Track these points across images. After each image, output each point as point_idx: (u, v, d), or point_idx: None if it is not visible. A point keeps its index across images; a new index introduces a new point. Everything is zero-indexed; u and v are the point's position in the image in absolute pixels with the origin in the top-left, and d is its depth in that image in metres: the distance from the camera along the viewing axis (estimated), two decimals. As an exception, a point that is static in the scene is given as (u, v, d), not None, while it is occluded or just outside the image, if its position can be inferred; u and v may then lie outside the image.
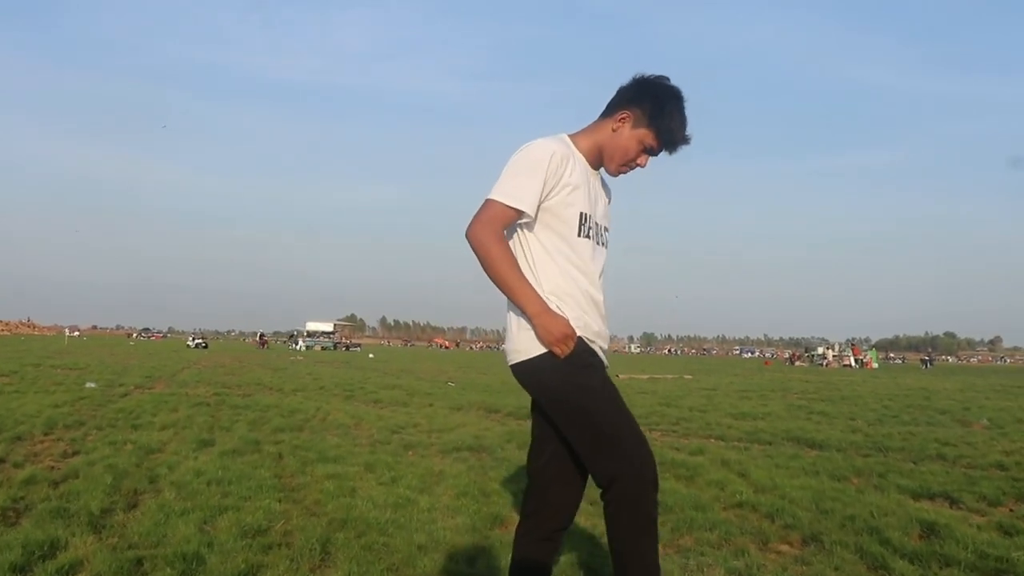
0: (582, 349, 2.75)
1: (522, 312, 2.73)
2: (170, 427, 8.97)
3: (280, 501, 5.21)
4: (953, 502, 5.97)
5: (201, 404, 11.98)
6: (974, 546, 4.46)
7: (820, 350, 71.23)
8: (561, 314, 2.73)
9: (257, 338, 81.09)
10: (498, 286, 2.74)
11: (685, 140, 2.87)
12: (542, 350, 2.72)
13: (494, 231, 2.71)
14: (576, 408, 2.73)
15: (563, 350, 2.69)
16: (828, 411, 13.97)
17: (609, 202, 3.05)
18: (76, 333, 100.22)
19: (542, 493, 2.91)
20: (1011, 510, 5.79)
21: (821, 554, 4.39)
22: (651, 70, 2.89)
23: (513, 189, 2.73)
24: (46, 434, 8.11)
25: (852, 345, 72.08)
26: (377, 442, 8.39)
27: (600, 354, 2.88)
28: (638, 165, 2.92)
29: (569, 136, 2.92)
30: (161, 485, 5.60)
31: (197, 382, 17.59)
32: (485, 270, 2.72)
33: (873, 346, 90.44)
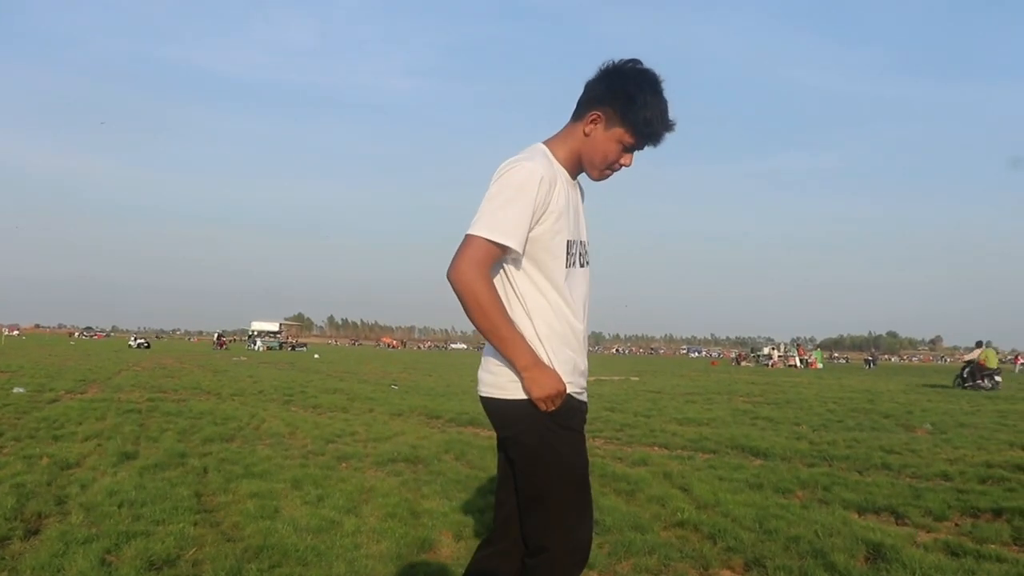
0: (568, 407, 2.51)
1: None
2: (94, 438, 8.58)
3: (196, 524, 4.90)
4: (899, 517, 5.84)
5: (132, 411, 11.56)
6: (921, 571, 4.29)
7: (766, 350, 71.70)
8: (551, 367, 2.49)
9: (215, 338, 78.16)
10: (485, 335, 2.46)
11: (668, 128, 2.55)
12: (524, 395, 2.47)
13: (481, 273, 2.40)
14: (539, 469, 2.51)
15: (549, 407, 2.46)
16: (773, 416, 13.87)
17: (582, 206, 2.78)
18: (15, 332, 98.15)
19: (507, 522, 2.65)
20: (956, 525, 5.68)
21: (764, 581, 4.20)
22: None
23: (499, 223, 2.41)
24: (-43, 447, 7.70)
25: (798, 345, 72.85)
26: (310, 453, 8.09)
27: (584, 395, 2.63)
28: (622, 165, 2.63)
29: (546, 144, 2.63)
30: (69, 507, 5.25)
31: (132, 386, 17.07)
32: (471, 317, 2.43)
33: (818, 346, 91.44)
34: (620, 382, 26.14)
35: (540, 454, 2.49)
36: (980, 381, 26.23)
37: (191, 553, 4.29)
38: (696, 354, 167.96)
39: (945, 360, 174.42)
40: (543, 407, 2.44)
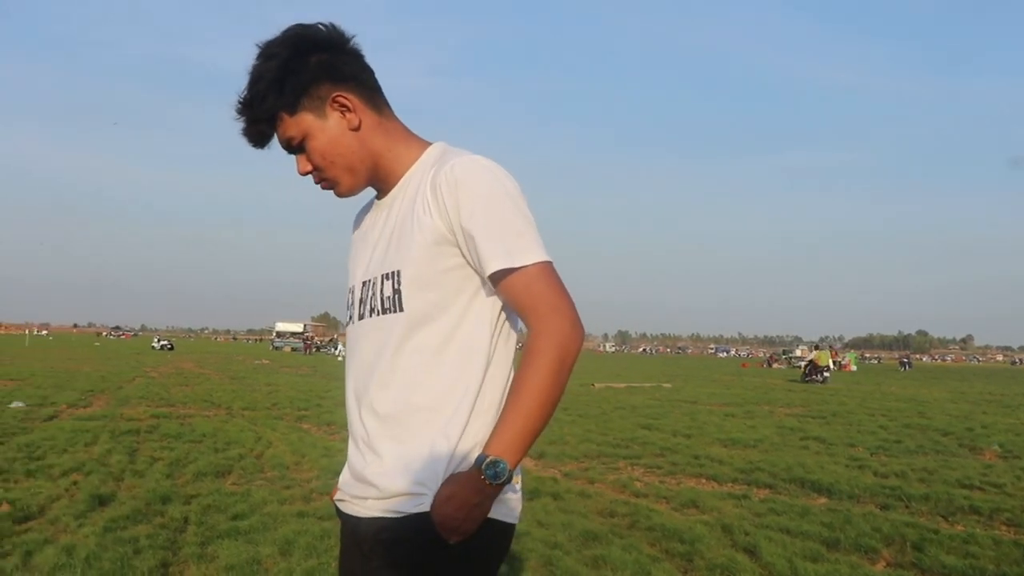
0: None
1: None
2: (73, 471, 7.65)
3: (148, 620, 3.91)
4: (1016, 593, 4.77)
5: (129, 432, 10.64)
6: None
7: (798, 351, 70.30)
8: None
9: (303, 340, 72.17)
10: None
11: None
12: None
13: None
14: None
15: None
16: (823, 436, 12.73)
17: None
18: (44, 332, 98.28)
19: None
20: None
21: None
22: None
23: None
24: (-86, 486, 6.79)
25: (830, 346, 71.29)
26: (313, 492, 7.09)
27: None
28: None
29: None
30: (-2, 590, 4.30)
31: (140, 398, 16.19)
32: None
33: (847, 345, 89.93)
34: (652, 390, 25.04)
35: None
36: (815, 376, 32.15)
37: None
38: (724, 354, 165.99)
39: (977, 360, 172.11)
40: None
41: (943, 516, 6.86)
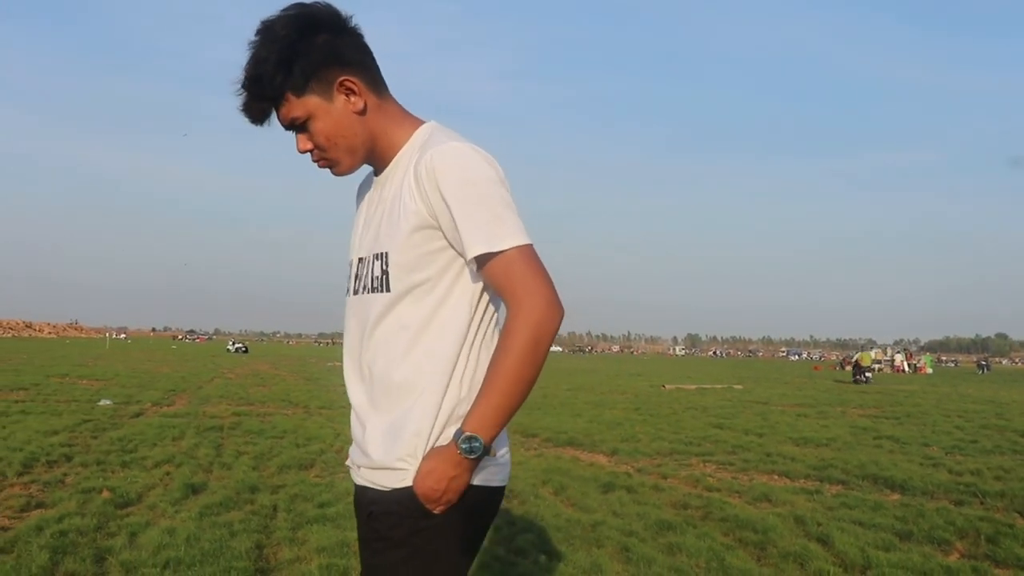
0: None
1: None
2: (165, 463, 7.99)
3: (249, 595, 4.15)
4: (1092, 584, 4.79)
5: (213, 428, 11.03)
6: None
7: (872, 353, 69.17)
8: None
9: None
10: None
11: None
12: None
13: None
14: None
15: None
16: (897, 435, 12.67)
17: None
18: (123, 336, 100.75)
19: None
20: None
21: None
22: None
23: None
24: (21, 475, 7.18)
25: (905, 349, 69.98)
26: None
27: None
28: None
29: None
30: (108, 566, 4.56)
31: (220, 397, 16.70)
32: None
33: (923, 348, 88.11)
34: (723, 391, 24.97)
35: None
36: (860, 377, 34.27)
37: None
38: (795, 357, 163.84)
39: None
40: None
41: (1019, 512, 6.85)
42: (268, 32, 1.80)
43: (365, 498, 1.87)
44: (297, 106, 1.83)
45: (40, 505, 6.08)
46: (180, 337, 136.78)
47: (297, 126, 1.87)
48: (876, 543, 5.54)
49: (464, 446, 1.71)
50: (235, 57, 1.83)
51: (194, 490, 6.74)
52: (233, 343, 70.59)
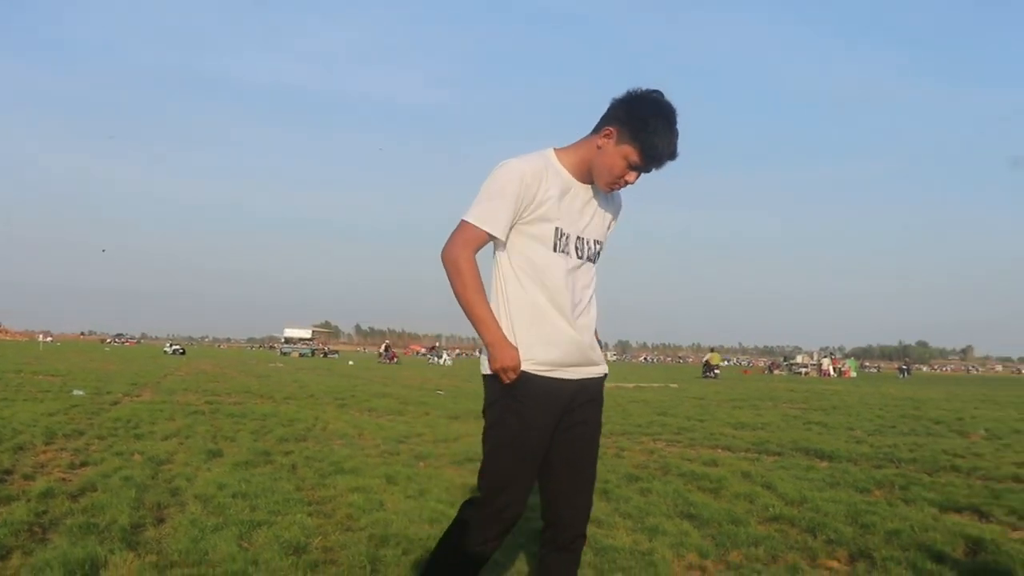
0: (525, 383, 2.76)
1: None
2: (172, 436, 8.79)
3: (311, 516, 5.07)
4: (983, 516, 5.90)
5: (196, 412, 11.79)
6: (1025, 562, 4.40)
7: (799, 358, 71.43)
8: (514, 344, 2.76)
9: (382, 349, 66.76)
10: (463, 309, 2.77)
11: (671, 156, 2.79)
12: (490, 371, 2.80)
13: (467, 251, 2.75)
14: (486, 432, 2.84)
15: (505, 380, 2.75)
16: (825, 421, 13.93)
17: (614, 218, 3.06)
18: (50, 339, 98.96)
19: (552, 503, 2.95)
20: (1043, 524, 5.74)
21: (874, 571, 4.32)
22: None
23: (484, 212, 2.75)
24: (47, 444, 7.92)
25: (830, 354, 72.40)
26: (386, 452, 8.25)
27: (559, 372, 2.84)
28: (626, 182, 2.86)
29: (556, 150, 2.90)
30: (185, 498, 5.45)
31: (184, 389, 17.34)
32: (454, 290, 2.77)
33: (847, 354, 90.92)
34: (660, 389, 26.21)
35: (490, 419, 2.83)
36: (709, 373, 44.43)
37: (318, 541, 4.46)
38: (725, 363, 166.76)
39: (976, 369, 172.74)
40: (502, 379, 2.74)
41: (927, 474, 8.00)
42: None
43: (597, 384, 3.03)
44: None
45: (85, 463, 6.88)
46: (109, 340, 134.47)
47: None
48: (812, 488, 6.66)
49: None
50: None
51: (214, 454, 7.59)
52: (171, 344, 70.18)
